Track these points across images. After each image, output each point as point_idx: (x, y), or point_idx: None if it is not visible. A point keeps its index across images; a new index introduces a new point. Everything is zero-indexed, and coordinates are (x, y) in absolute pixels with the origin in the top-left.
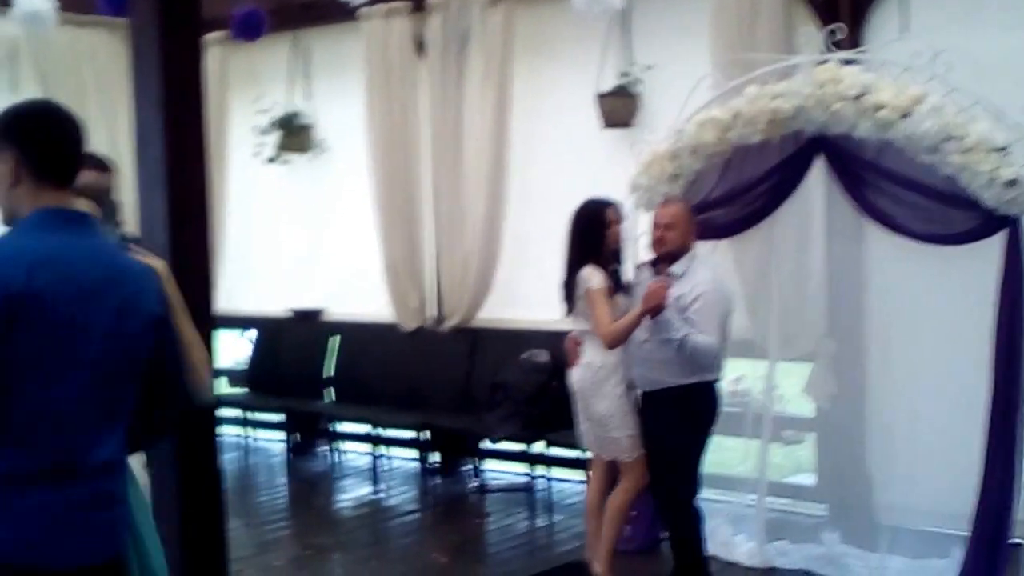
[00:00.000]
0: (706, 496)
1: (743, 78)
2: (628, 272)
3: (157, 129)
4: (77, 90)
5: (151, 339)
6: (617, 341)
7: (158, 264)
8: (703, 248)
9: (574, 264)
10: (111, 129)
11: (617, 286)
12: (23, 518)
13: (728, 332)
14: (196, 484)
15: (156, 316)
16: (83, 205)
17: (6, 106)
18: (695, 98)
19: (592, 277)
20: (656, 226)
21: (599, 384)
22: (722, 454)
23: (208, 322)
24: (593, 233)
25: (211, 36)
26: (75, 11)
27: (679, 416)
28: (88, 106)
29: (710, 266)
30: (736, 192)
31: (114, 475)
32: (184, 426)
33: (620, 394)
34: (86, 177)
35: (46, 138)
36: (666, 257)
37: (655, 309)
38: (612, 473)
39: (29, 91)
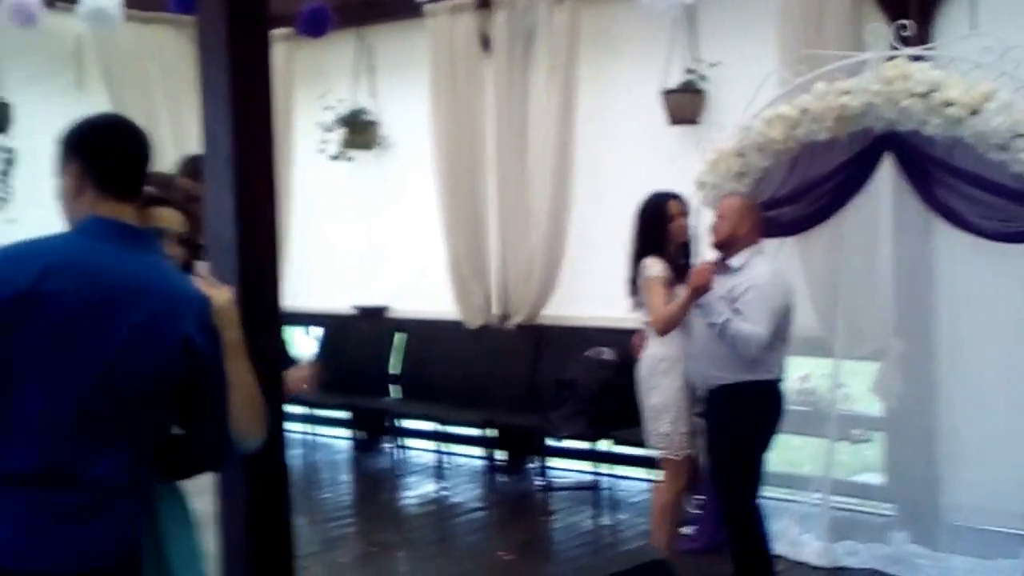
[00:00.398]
0: (773, 495)
1: (810, 75)
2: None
3: (224, 126)
4: (143, 87)
5: (179, 363)
6: (668, 326)
7: (220, 296)
8: (770, 245)
9: (638, 257)
10: (177, 126)
11: (681, 278)
12: (2, 518)
13: (786, 328)
14: (262, 480)
15: (184, 339)
16: (166, 217)
17: (76, 118)
18: (762, 95)
19: (652, 266)
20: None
21: (657, 376)
22: (789, 452)
23: (276, 320)
24: (656, 226)
25: (277, 32)
26: (140, 8)
27: (738, 414)
28: (154, 103)
29: (772, 262)
30: (803, 189)
31: (112, 492)
32: (227, 466)
33: (678, 388)
34: (183, 183)
35: (110, 151)
36: (719, 248)
37: (701, 288)
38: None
39: (94, 89)
